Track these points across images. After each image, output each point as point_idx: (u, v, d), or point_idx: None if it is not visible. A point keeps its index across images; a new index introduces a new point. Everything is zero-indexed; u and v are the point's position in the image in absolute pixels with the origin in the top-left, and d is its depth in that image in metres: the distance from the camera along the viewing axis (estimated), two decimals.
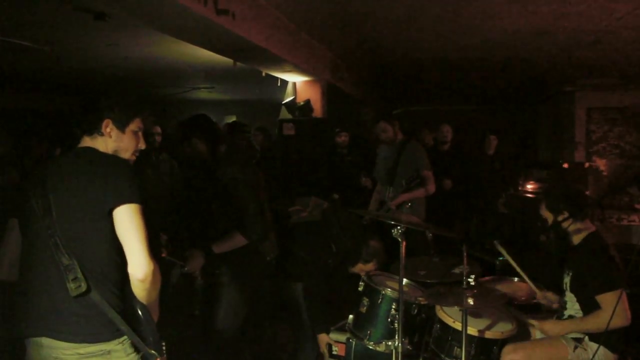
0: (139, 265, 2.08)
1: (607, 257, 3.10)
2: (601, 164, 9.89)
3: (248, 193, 3.44)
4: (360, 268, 3.86)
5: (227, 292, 3.54)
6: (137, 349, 2.18)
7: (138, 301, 2.16)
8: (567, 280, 3.29)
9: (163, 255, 3.26)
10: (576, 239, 3.24)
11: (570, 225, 3.21)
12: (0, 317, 2.88)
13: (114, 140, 2.27)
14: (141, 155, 2.43)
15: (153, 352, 2.18)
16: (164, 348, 2.21)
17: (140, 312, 2.16)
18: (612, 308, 2.90)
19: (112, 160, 2.22)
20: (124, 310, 2.17)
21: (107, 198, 2.08)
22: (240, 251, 3.47)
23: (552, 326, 3.22)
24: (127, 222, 2.09)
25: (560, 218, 3.23)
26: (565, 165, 8.78)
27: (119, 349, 2.15)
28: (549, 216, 3.30)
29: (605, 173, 9.86)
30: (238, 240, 3.41)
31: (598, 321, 2.99)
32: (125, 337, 2.16)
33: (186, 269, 3.38)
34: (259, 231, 3.46)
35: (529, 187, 8.31)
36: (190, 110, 13.36)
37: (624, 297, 2.98)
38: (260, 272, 3.73)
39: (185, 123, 3.64)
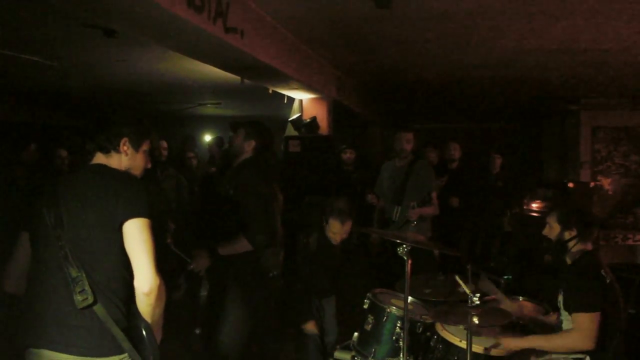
0: (145, 279, 2.11)
1: (594, 277, 3.07)
2: (606, 183, 9.88)
3: (257, 200, 3.47)
4: (332, 233, 4.01)
5: (232, 308, 3.55)
6: None
7: (143, 320, 2.17)
8: (560, 298, 3.27)
9: (169, 241, 3.32)
10: (573, 258, 3.24)
11: (574, 245, 3.21)
12: None
13: (129, 159, 2.36)
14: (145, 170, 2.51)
15: None
16: None
17: (144, 332, 2.17)
18: (583, 329, 2.91)
19: (125, 176, 2.30)
20: (128, 328, 2.17)
21: (118, 211, 2.13)
22: (245, 266, 3.49)
23: (512, 340, 3.16)
24: (137, 236, 2.13)
25: (567, 234, 3.22)
26: (571, 185, 8.77)
27: None
28: (555, 228, 3.28)
29: (610, 192, 9.84)
30: (243, 245, 3.43)
31: (564, 341, 2.99)
32: (125, 354, 2.16)
33: (192, 266, 3.42)
34: (264, 239, 3.48)
35: (534, 206, 8.27)
36: (196, 125, 13.39)
37: (596, 320, 2.95)
38: (264, 287, 3.74)
39: (248, 124, 3.77)
